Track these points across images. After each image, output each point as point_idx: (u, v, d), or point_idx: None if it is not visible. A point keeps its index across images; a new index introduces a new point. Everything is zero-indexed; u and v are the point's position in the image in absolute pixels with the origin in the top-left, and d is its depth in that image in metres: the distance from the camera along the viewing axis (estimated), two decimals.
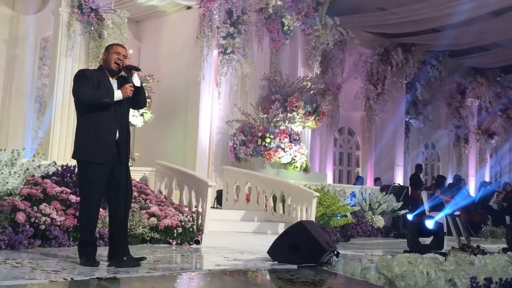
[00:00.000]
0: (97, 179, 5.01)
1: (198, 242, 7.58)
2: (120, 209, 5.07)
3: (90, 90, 5.00)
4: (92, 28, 9.58)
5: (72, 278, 4.17)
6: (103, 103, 5.00)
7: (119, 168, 5.08)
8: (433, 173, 17.60)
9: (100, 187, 5.06)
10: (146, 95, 10.46)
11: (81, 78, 5.10)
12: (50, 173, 7.34)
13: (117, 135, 5.09)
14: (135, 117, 10.45)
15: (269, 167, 10.99)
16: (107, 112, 5.05)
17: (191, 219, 7.64)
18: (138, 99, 5.28)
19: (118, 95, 5.05)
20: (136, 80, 5.18)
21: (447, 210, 9.43)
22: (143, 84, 10.52)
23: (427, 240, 8.02)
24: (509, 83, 19.35)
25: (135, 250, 6.35)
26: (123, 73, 5.25)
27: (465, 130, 18.43)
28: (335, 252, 5.98)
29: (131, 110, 9.24)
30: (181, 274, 4.80)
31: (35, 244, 6.19)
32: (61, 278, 4.16)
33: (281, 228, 8.34)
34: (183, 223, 7.50)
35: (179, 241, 7.42)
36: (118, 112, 5.11)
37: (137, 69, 5.22)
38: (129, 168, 5.25)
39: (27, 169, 7.04)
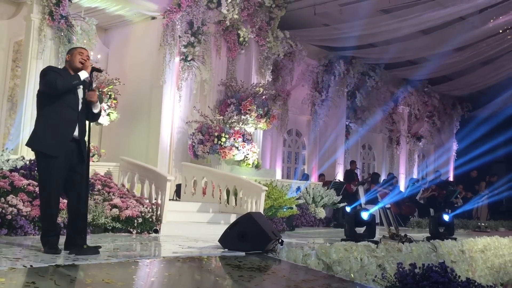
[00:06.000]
0: (55, 172, 4.76)
1: (156, 231, 7.38)
2: (81, 202, 4.85)
3: (61, 78, 4.77)
4: (62, 34, 9.21)
5: (31, 265, 3.92)
6: (74, 85, 4.80)
7: (81, 165, 4.85)
8: (369, 171, 17.81)
9: (58, 180, 4.80)
10: (113, 96, 10.25)
11: (50, 72, 4.88)
12: (18, 166, 7.03)
13: (77, 133, 4.86)
14: (102, 117, 10.14)
15: (224, 163, 10.85)
16: (69, 110, 4.83)
17: (150, 210, 7.43)
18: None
19: (83, 74, 4.85)
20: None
21: (381, 204, 9.50)
22: (110, 87, 10.28)
23: (360, 230, 8.04)
24: (434, 93, 19.78)
25: (97, 239, 6.12)
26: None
27: (397, 133, 18.72)
28: (280, 241, 5.89)
29: None
30: (137, 261, 4.61)
31: (1, 233, 5.88)
32: (20, 266, 3.91)
33: (233, 218, 8.20)
34: (143, 214, 7.29)
35: (139, 230, 7.20)
36: (80, 112, 4.88)
37: (100, 71, 5.03)
38: (89, 165, 5.01)
39: None
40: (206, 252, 5.50)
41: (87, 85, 4.94)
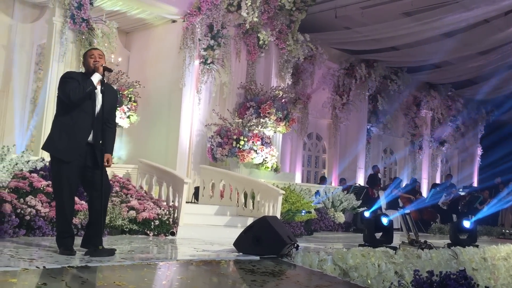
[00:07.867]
0: (67, 175, 4.79)
1: (173, 234, 7.38)
2: (97, 205, 4.87)
3: (74, 90, 4.77)
4: (83, 37, 9.31)
5: (44, 266, 3.94)
6: (89, 92, 4.79)
7: (96, 167, 4.87)
8: (390, 175, 17.58)
9: (71, 183, 4.83)
10: (133, 99, 10.32)
11: (68, 80, 4.90)
12: (38, 168, 7.10)
13: (91, 138, 4.87)
14: (122, 119, 10.23)
15: (243, 167, 10.82)
16: (85, 116, 4.85)
17: (167, 213, 7.43)
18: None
19: (95, 77, 4.86)
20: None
21: (403, 211, 9.31)
22: (130, 89, 10.33)
23: (377, 235, 7.90)
24: (458, 97, 19.44)
25: (114, 241, 6.15)
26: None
27: (419, 138, 18.46)
28: (295, 245, 5.81)
29: (118, 112, 8.91)
30: (150, 264, 4.59)
31: (20, 233, 5.93)
32: (34, 266, 3.93)
33: (250, 222, 8.09)
34: (160, 216, 7.28)
35: (155, 233, 7.20)
36: (96, 118, 4.88)
37: (110, 70, 5.09)
38: (106, 169, 5.00)
39: (16, 164, 6.81)
40: (220, 256, 5.46)
41: (103, 84, 4.96)
